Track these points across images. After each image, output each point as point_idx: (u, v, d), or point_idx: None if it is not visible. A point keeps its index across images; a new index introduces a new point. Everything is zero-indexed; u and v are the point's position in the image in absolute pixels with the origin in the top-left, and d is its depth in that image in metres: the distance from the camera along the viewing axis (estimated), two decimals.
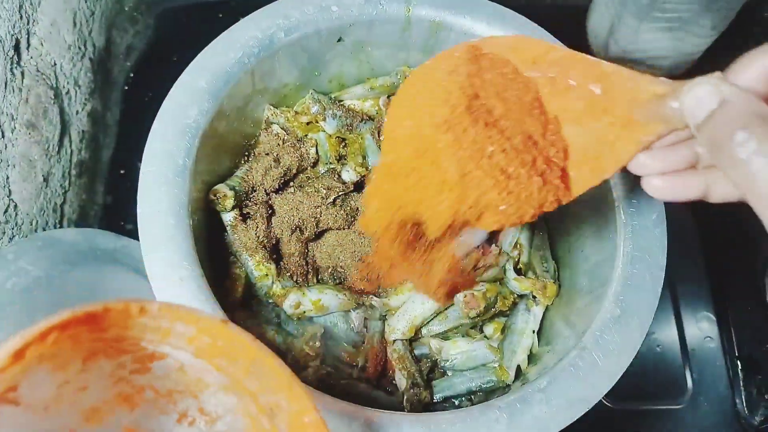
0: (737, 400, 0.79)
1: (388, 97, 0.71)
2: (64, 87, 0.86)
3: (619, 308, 0.55)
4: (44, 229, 0.79)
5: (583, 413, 0.50)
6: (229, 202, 0.61)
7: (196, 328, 0.36)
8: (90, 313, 0.33)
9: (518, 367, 0.63)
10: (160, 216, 0.51)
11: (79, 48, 0.90)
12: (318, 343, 0.61)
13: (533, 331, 0.65)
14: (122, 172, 0.92)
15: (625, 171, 0.42)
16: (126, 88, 0.99)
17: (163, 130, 0.54)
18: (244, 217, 0.63)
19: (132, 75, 1.00)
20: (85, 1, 0.91)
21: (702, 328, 0.82)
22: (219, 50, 0.58)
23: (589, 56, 0.42)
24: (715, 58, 1.09)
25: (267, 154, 0.67)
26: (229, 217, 0.62)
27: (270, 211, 0.64)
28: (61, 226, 0.84)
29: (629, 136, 0.40)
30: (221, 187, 0.61)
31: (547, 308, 0.67)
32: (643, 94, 0.39)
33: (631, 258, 0.57)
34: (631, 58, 1.06)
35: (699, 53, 1.05)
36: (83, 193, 0.91)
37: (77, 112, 0.90)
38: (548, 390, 0.51)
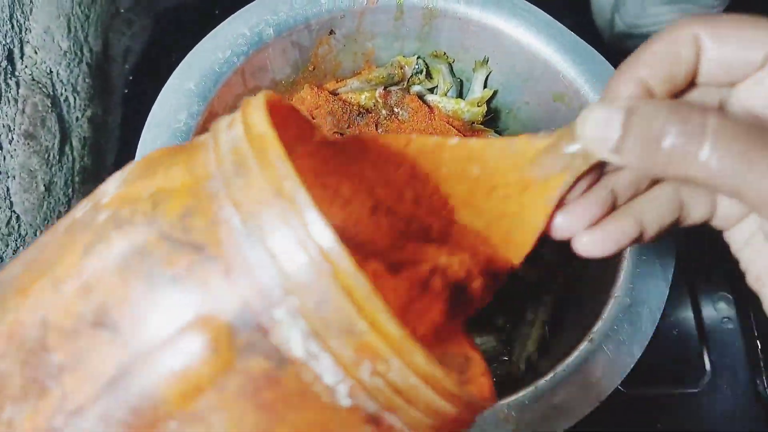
0: (758, 381, 0.76)
1: (385, 88, 0.69)
2: (61, 94, 0.85)
3: (629, 297, 0.53)
4: None
5: (593, 408, 0.48)
6: None
7: None
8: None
9: (529, 359, 0.61)
10: None
11: (76, 53, 0.89)
12: None
13: (543, 322, 0.63)
14: None
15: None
16: (126, 91, 0.98)
17: (153, 137, 0.53)
18: None
19: (131, 78, 0.99)
20: (79, 6, 0.90)
21: (719, 309, 0.80)
22: (207, 50, 0.57)
23: (454, 138, 0.37)
24: None
25: None
26: None
27: None
28: None
29: (533, 199, 0.35)
30: None
31: (556, 298, 0.65)
32: (528, 154, 0.34)
33: (640, 245, 0.54)
34: (637, 34, 1.02)
35: None
36: None
37: (77, 119, 0.89)
38: (557, 385, 0.49)
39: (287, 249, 0.22)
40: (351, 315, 0.22)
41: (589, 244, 0.34)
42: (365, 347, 0.23)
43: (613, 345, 0.51)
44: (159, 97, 0.54)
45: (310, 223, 0.22)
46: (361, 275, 0.22)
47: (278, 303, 0.23)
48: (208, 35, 0.57)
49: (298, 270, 0.22)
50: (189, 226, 0.24)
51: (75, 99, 0.88)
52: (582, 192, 0.34)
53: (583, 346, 0.51)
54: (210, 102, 0.56)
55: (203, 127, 0.55)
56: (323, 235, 0.22)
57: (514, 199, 0.36)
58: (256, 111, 0.25)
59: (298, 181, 0.23)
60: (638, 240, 0.34)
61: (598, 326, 0.52)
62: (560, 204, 0.34)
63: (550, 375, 0.50)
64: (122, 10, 1.02)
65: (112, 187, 0.27)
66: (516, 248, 0.38)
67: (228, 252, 0.23)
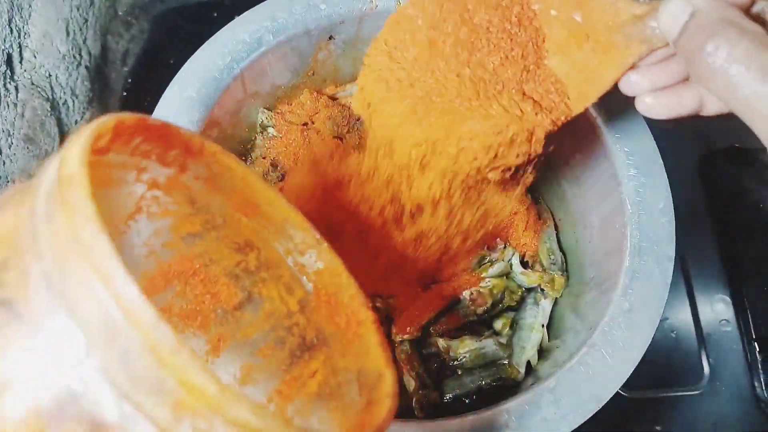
0: (756, 383, 0.76)
1: None
2: (60, 98, 0.85)
3: (628, 302, 0.53)
4: None
5: (593, 413, 0.49)
6: None
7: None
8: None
9: (528, 363, 0.61)
10: None
11: (74, 57, 0.89)
12: None
13: (542, 326, 0.63)
14: None
15: (612, 94, 0.42)
16: (125, 94, 0.98)
17: None
18: None
19: (130, 81, 0.99)
20: (78, 9, 0.90)
21: (717, 311, 0.80)
22: (206, 57, 0.57)
23: None
24: None
25: (264, 157, 0.66)
26: None
27: None
28: None
29: (611, 60, 0.41)
30: None
31: (556, 301, 0.65)
32: (623, 16, 0.40)
33: (639, 249, 0.54)
34: None
35: None
36: None
37: (76, 122, 0.89)
38: (557, 390, 0.49)
39: (86, 303, 0.20)
40: (158, 372, 0.20)
41: (651, 105, 0.40)
42: (181, 405, 0.21)
43: (613, 350, 0.51)
44: (159, 104, 0.55)
45: (109, 274, 0.20)
46: (165, 328, 0.20)
47: (82, 362, 0.21)
48: (207, 42, 0.57)
49: (98, 325, 0.20)
50: (2, 281, 0.23)
51: (74, 102, 0.88)
52: (660, 60, 0.39)
53: (583, 351, 0.51)
54: (211, 109, 0.56)
55: (204, 134, 0.56)
56: (123, 286, 0.20)
57: (598, 54, 0.42)
58: (73, 146, 0.23)
59: (99, 227, 0.21)
60: (696, 113, 0.40)
61: (598, 331, 0.52)
62: (632, 67, 0.40)
63: (550, 380, 0.50)
64: (120, 13, 1.02)
65: None
66: (583, 98, 0.44)
67: (33, 308, 0.22)
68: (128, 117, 0.28)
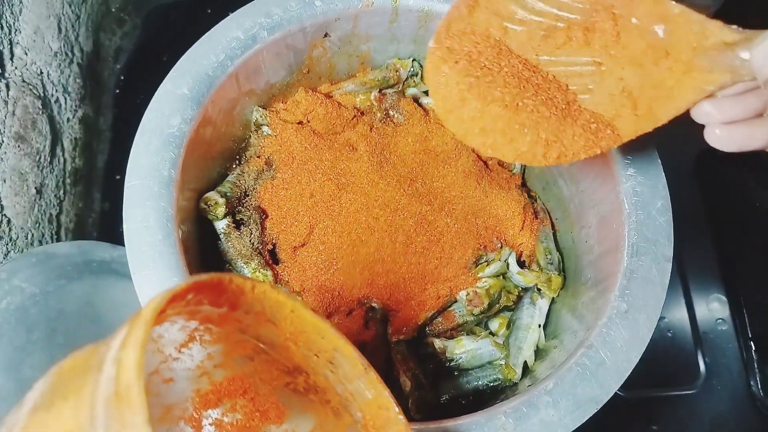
0: (752, 383, 0.76)
1: (380, 91, 0.68)
2: (52, 95, 0.83)
3: (626, 303, 0.52)
4: (40, 242, 0.78)
5: (592, 414, 0.48)
6: (221, 210, 0.59)
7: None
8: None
9: (525, 364, 0.61)
10: (147, 232, 0.50)
11: (66, 54, 0.87)
12: None
13: (539, 326, 0.63)
14: (118, 177, 0.90)
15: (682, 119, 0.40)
16: (117, 91, 0.97)
17: (146, 142, 0.52)
18: (238, 224, 0.61)
19: (122, 78, 0.98)
20: (69, 6, 0.89)
21: (713, 311, 0.80)
22: (200, 54, 0.56)
23: None
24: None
25: (258, 156, 0.65)
26: (221, 225, 0.60)
27: (264, 216, 0.62)
28: (58, 237, 0.83)
29: (690, 84, 0.38)
30: (212, 195, 0.59)
31: (553, 301, 0.65)
32: (711, 40, 0.37)
33: (637, 249, 0.54)
34: None
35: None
36: (80, 202, 0.89)
37: (68, 120, 0.88)
38: (555, 392, 0.49)
39: None
40: None
41: (722, 138, 0.39)
42: None
43: (611, 351, 0.50)
44: (152, 101, 0.54)
45: None
46: None
47: None
48: (201, 38, 0.56)
49: None
50: None
51: (66, 100, 0.87)
52: (735, 93, 0.37)
53: (581, 351, 0.51)
54: (204, 106, 0.55)
55: (197, 132, 0.55)
56: None
57: (676, 74, 0.39)
58: (130, 349, 0.25)
59: None
60: (763, 149, 0.38)
61: (595, 332, 0.52)
62: (709, 96, 0.38)
63: (548, 381, 0.49)
64: (113, 10, 1.01)
65: (24, 411, 0.28)
66: (651, 117, 0.42)
67: None
68: (181, 288, 0.29)
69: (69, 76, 0.88)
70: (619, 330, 0.51)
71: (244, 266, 0.59)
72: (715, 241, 0.83)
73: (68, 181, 0.86)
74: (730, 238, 0.83)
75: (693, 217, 0.84)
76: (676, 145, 0.86)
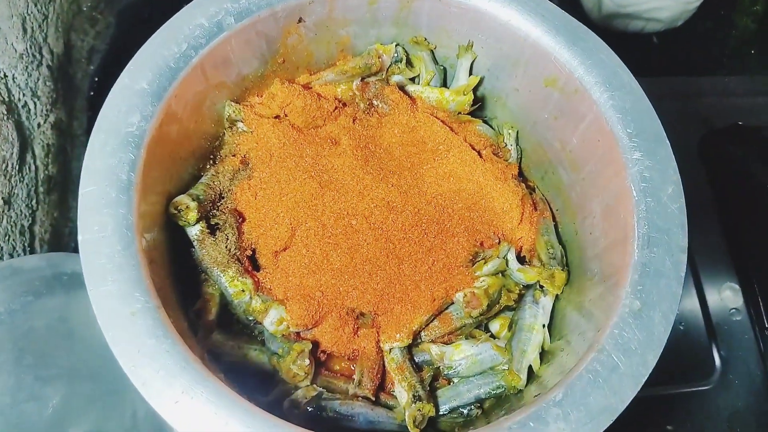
0: None
1: (362, 79, 0.62)
2: (19, 100, 0.77)
3: (639, 300, 0.47)
4: (11, 255, 0.72)
5: (607, 426, 0.43)
6: (193, 215, 0.53)
7: None
8: None
9: (530, 368, 0.55)
10: (104, 242, 0.44)
11: (34, 56, 0.81)
12: (307, 361, 0.53)
13: (543, 326, 0.57)
14: None
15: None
16: (92, 93, 0.91)
17: (101, 142, 0.46)
18: (212, 229, 0.55)
19: (97, 79, 0.92)
20: (35, 5, 0.83)
21: (726, 300, 0.74)
22: (160, 44, 0.50)
23: None
24: (715, 5, 0.99)
25: (233, 155, 0.59)
26: (194, 231, 0.54)
27: (241, 219, 0.57)
28: (32, 249, 0.77)
29: None
30: (182, 199, 0.53)
31: (557, 298, 0.59)
32: None
33: (648, 240, 0.48)
34: (625, 13, 0.96)
35: (699, 1, 0.95)
36: (54, 211, 0.83)
37: (39, 125, 0.82)
38: (565, 403, 0.43)
39: None
40: None
41: None
42: None
43: (624, 354, 0.45)
44: (107, 98, 0.48)
45: None
46: None
47: None
48: (160, 28, 0.50)
49: None
50: None
51: (35, 104, 0.81)
52: None
53: (591, 355, 0.45)
54: (166, 102, 0.49)
55: (160, 130, 0.49)
56: None
57: None
58: None
59: None
60: None
61: (606, 333, 0.46)
62: None
63: (557, 391, 0.44)
64: (84, 9, 0.95)
65: None
66: None
67: None
68: None
69: (38, 79, 0.82)
70: (633, 330, 0.46)
71: (221, 275, 0.54)
72: (724, 226, 0.77)
73: (41, 189, 0.81)
74: (739, 222, 0.77)
75: (700, 201, 0.78)
76: (679, 127, 0.80)
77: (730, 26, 1.01)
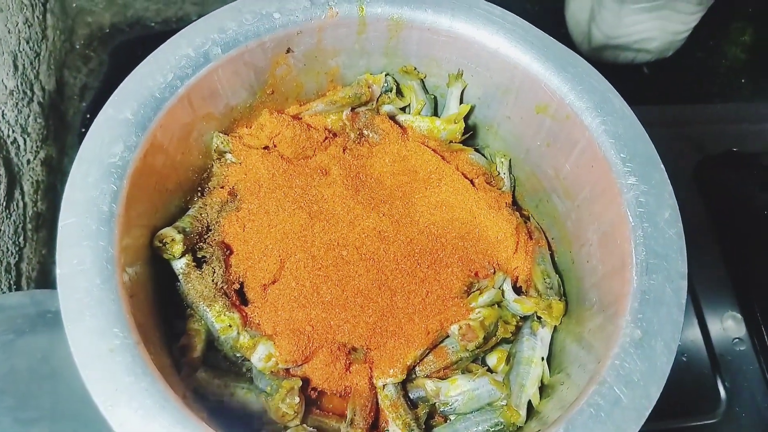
0: None
1: (352, 109, 0.61)
2: (8, 136, 0.76)
3: (640, 329, 0.45)
4: None
5: None
6: (178, 248, 0.51)
7: None
8: None
9: (530, 403, 0.53)
10: (83, 276, 0.42)
11: (25, 93, 0.81)
12: (297, 399, 0.51)
13: (542, 359, 0.55)
14: None
15: None
16: (83, 130, 0.90)
17: (83, 173, 0.45)
18: (199, 263, 0.54)
19: (89, 116, 0.91)
20: (27, 43, 0.83)
21: (729, 330, 0.72)
22: (145, 75, 0.49)
23: None
24: (704, 35, 1.00)
25: (222, 186, 0.58)
26: (179, 265, 0.52)
27: (228, 252, 0.55)
28: (18, 287, 0.75)
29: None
30: (167, 231, 0.51)
31: (555, 330, 0.57)
32: None
33: (646, 267, 0.46)
34: (614, 44, 0.96)
35: (687, 32, 0.95)
36: (43, 249, 0.81)
37: (29, 162, 0.80)
38: None
39: None
40: None
41: None
42: None
43: (627, 387, 0.43)
44: (91, 129, 0.46)
45: None
46: None
47: None
48: (146, 58, 0.49)
49: None
50: None
51: (25, 140, 0.80)
52: None
53: (593, 389, 0.43)
54: (151, 132, 0.48)
55: (144, 161, 0.47)
56: None
57: None
58: None
59: None
60: None
61: (607, 364, 0.44)
62: None
63: (557, 428, 0.41)
64: (78, 46, 0.95)
65: None
66: None
67: None
68: None
69: (28, 116, 0.81)
70: (635, 361, 0.44)
71: (207, 309, 0.52)
72: (724, 254, 0.75)
73: (29, 226, 0.79)
74: (739, 249, 0.76)
75: (697, 228, 0.77)
76: (674, 153, 0.79)
77: (720, 56, 1.02)
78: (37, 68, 0.84)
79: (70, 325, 0.41)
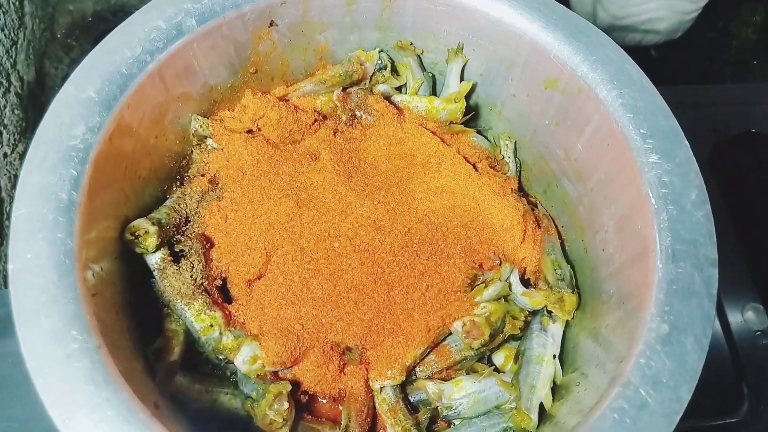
0: None
1: (344, 89, 0.56)
2: None
3: (667, 323, 0.39)
4: None
5: None
6: (152, 241, 0.46)
7: None
8: None
9: (541, 406, 0.47)
10: (37, 271, 0.36)
11: (1, 83, 0.75)
12: (285, 405, 0.45)
13: (554, 357, 0.49)
14: None
15: None
16: None
17: (40, 158, 0.40)
18: (177, 257, 0.48)
19: None
20: (2, 30, 0.77)
21: (750, 322, 0.66)
22: (111, 49, 0.43)
23: None
24: (714, 16, 0.94)
25: (202, 175, 0.52)
26: (154, 260, 0.47)
27: (209, 245, 0.49)
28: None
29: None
30: (139, 223, 0.46)
31: (567, 325, 0.52)
32: None
33: (672, 254, 0.41)
34: (621, 25, 0.91)
35: (697, 11, 0.90)
36: None
37: (5, 155, 0.75)
38: None
39: None
40: None
41: None
42: None
43: (654, 389, 0.37)
44: (49, 108, 0.41)
45: None
46: None
47: None
48: (112, 32, 0.44)
49: None
50: None
51: (1, 133, 0.75)
52: None
53: (615, 391, 0.37)
54: (118, 111, 0.42)
55: (111, 144, 0.42)
56: None
57: None
58: None
59: None
60: None
61: (631, 364, 0.38)
62: None
63: None
64: (59, 36, 0.89)
65: None
66: None
67: None
68: None
69: (5, 107, 0.76)
70: (662, 359, 0.38)
71: (186, 308, 0.46)
72: (743, 242, 0.70)
73: (6, 223, 0.74)
74: (758, 236, 0.70)
75: (714, 216, 0.71)
76: (688, 136, 0.73)
77: (730, 37, 0.96)
78: (14, 57, 0.79)
79: (23, 326, 0.35)
